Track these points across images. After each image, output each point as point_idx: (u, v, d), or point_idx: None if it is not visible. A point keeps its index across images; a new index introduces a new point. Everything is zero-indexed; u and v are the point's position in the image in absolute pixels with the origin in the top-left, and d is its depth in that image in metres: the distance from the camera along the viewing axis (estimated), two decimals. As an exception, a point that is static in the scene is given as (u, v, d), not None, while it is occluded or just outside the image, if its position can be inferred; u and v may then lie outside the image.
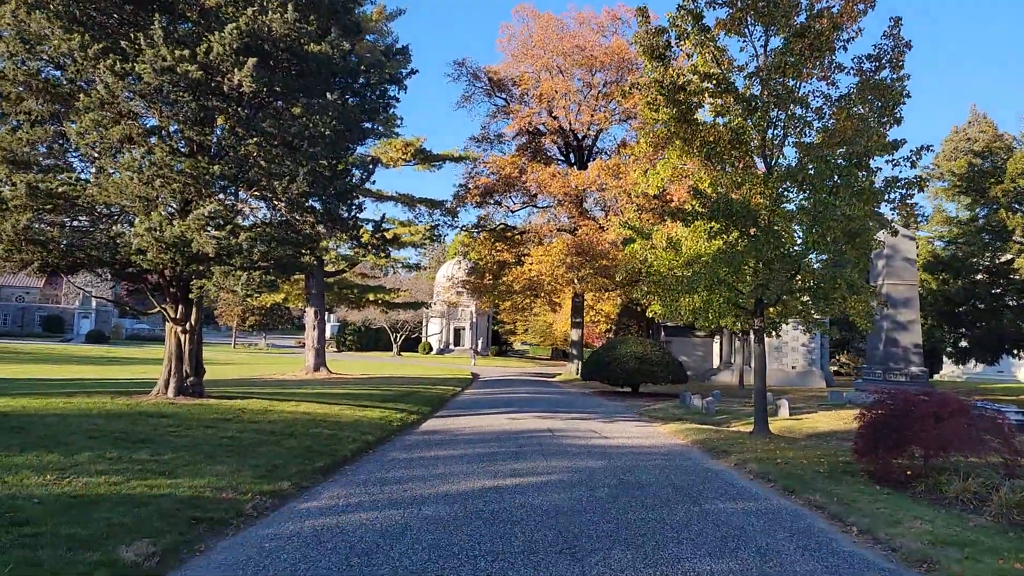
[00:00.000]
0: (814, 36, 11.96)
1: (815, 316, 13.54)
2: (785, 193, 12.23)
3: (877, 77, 12.65)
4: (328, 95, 13.18)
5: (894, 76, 12.51)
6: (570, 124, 42.20)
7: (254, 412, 13.11)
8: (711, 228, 12.10)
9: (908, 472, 8.36)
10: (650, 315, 14.62)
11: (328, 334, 44.57)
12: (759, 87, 13.03)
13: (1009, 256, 25.23)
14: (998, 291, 25.19)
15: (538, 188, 40.74)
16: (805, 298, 12.47)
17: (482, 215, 45.45)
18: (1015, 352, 25.29)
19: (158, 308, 14.53)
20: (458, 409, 19.14)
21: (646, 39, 13.59)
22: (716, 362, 50.18)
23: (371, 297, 41.04)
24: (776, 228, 11.61)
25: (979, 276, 26.31)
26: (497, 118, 44.53)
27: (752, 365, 33.81)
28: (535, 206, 45.73)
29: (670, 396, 26.20)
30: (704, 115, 13.98)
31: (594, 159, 45.25)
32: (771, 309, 13.22)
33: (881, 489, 8.21)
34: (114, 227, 13.02)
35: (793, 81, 12.58)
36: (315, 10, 14.59)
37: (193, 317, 14.45)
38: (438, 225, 38.99)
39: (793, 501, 7.87)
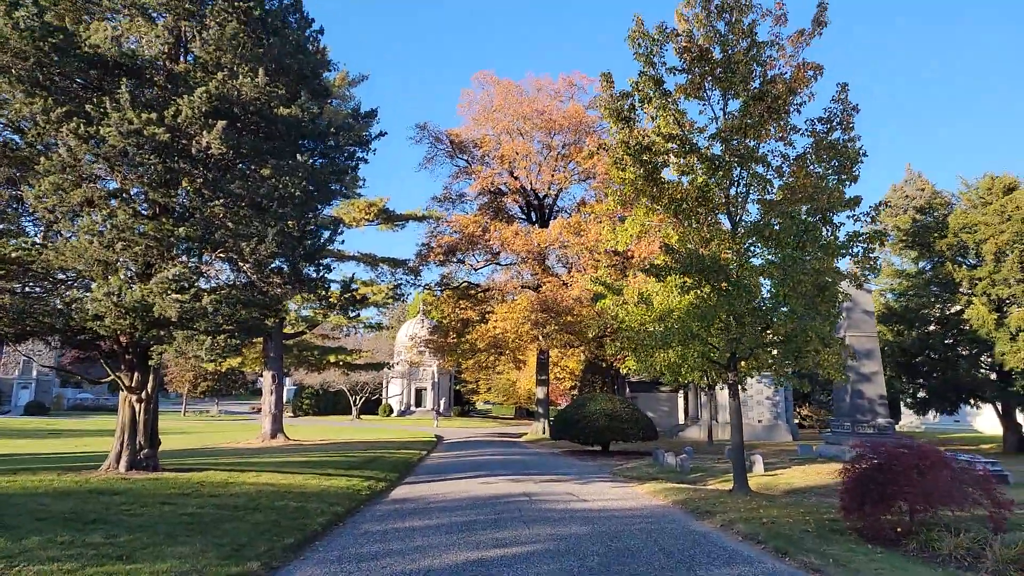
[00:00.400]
0: (771, 99, 12.52)
1: (786, 369, 13.68)
2: (751, 248, 12.51)
3: (830, 138, 13.25)
4: (298, 156, 13.08)
5: (845, 137, 13.12)
6: (531, 184, 43.00)
7: (214, 485, 12.39)
8: (683, 283, 12.25)
9: (897, 529, 8.29)
10: (624, 370, 14.64)
11: (283, 398, 43.09)
12: (720, 147, 13.49)
13: (958, 307, 26.20)
14: (950, 342, 26.02)
15: (501, 246, 41.05)
16: (775, 352, 12.63)
17: (445, 273, 45.48)
18: (970, 402, 25.98)
19: (111, 376, 13.80)
20: (427, 475, 18.51)
21: (611, 103, 14.01)
22: (681, 417, 50.26)
23: (332, 359, 40.10)
24: (746, 282, 11.82)
25: (931, 327, 27.20)
26: (459, 178, 45.15)
27: (719, 419, 33.95)
28: (498, 263, 46.03)
29: (641, 454, 25.93)
30: (668, 174, 14.35)
31: (555, 217, 46.05)
32: (743, 363, 13.31)
33: (873, 548, 8.11)
34: (69, 292, 12.42)
35: (753, 142, 13.07)
36: (284, 74, 14.68)
37: (150, 385, 13.77)
38: (401, 284, 38.72)
39: (787, 564, 7.69)
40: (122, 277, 12.23)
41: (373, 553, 8.32)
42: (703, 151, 13.11)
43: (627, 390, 48.96)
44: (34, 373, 60.51)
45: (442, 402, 79.65)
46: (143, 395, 13.66)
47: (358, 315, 17.91)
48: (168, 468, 14.19)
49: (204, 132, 12.23)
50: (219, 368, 47.90)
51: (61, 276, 12.79)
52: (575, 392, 61.39)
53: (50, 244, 11.54)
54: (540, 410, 45.04)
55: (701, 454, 24.53)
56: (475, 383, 78.90)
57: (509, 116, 42.51)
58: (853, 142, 13.01)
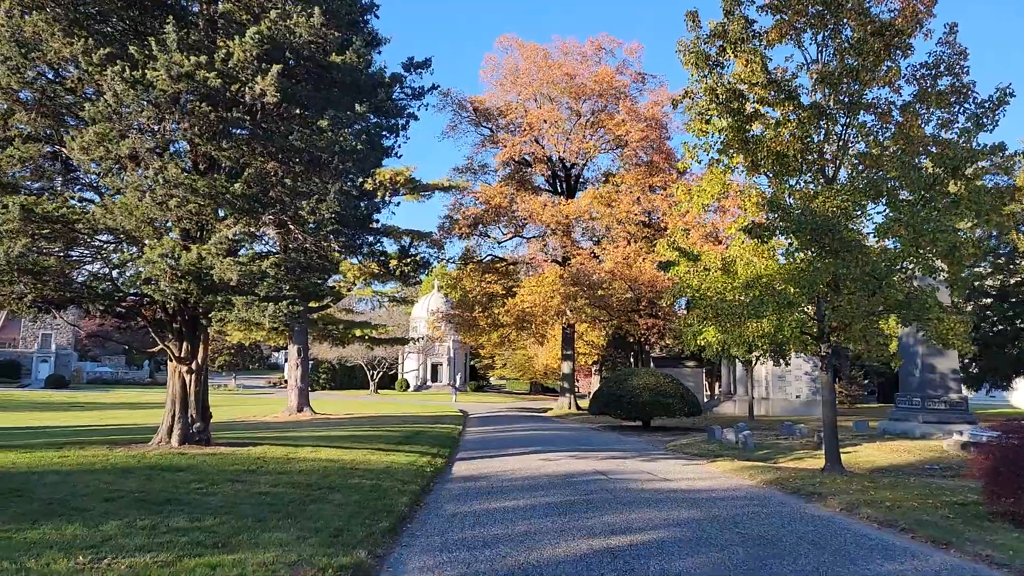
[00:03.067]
0: (891, 35, 11.34)
1: (880, 340, 12.70)
2: (860, 205, 11.41)
3: (939, 85, 12.12)
4: (357, 106, 12.01)
5: (958, 83, 11.97)
6: (559, 153, 41.66)
7: (276, 461, 11.58)
8: (790, 245, 11.22)
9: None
10: (702, 343, 13.57)
11: (308, 372, 42.14)
12: (820, 94, 12.39)
13: (1018, 278, 25.07)
14: (1010, 314, 24.92)
15: (528, 217, 39.90)
16: (884, 321, 11.61)
17: (468, 246, 44.39)
18: (1031, 376, 24.98)
19: (160, 346, 12.94)
20: (476, 450, 17.74)
21: (694, 46, 12.89)
22: (706, 393, 49.46)
23: (357, 333, 39.32)
24: (858, 241, 10.77)
25: (988, 299, 26.08)
26: (485, 147, 43.79)
27: (755, 394, 33.03)
28: (522, 236, 44.91)
29: (684, 430, 25.13)
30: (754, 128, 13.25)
31: (581, 188, 44.82)
32: (839, 334, 12.31)
33: (1047, 536, 7.19)
34: (117, 255, 11.50)
35: (856, 86, 11.94)
36: (334, 18, 13.55)
37: (200, 355, 12.91)
38: (426, 257, 37.68)
39: (957, 556, 6.76)
40: (173, 238, 11.30)
41: (478, 540, 7.46)
42: (814, 98, 11.99)
43: (651, 365, 48.16)
44: (53, 347, 60.11)
45: (458, 377, 79.20)
46: (193, 365, 12.81)
47: (420, 281, 17.04)
48: (220, 442, 13.40)
49: (258, 78, 11.17)
50: (244, 342, 47.20)
51: (105, 238, 11.85)
52: (596, 367, 60.65)
53: (97, 202, 10.58)
54: (566, 385, 44.30)
55: (751, 430, 23.65)
56: (491, 358, 78.21)
57: (536, 81, 41.03)
58: (966, 88, 11.86)
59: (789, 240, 11.23)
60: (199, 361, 12.90)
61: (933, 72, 12.27)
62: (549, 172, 44.14)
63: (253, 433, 18.95)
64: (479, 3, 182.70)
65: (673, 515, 8.70)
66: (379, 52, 15.19)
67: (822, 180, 12.50)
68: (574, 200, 41.54)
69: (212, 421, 13.96)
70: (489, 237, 44.43)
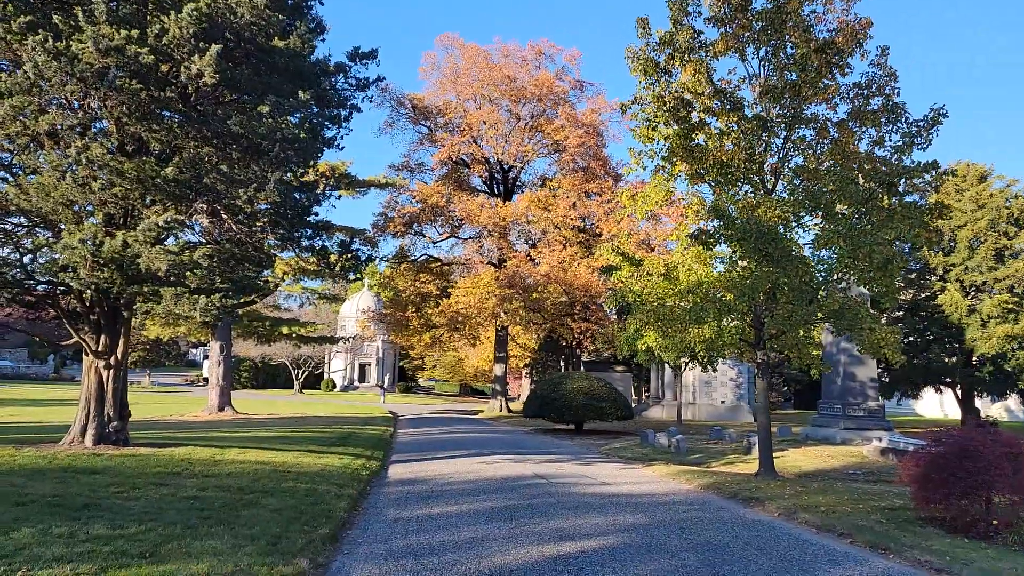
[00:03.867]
0: (833, 52, 11.80)
1: (812, 350, 13.20)
2: (799, 217, 11.82)
3: (870, 105, 12.72)
4: (300, 94, 11.50)
5: (889, 103, 12.60)
6: (498, 155, 41.60)
7: (203, 463, 10.91)
8: (733, 253, 11.47)
9: (994, 522, 7.78)
10: (642, 347, 13.72)
11: (231, 370, 40.20)
12: (761, 107, 12.78)
13: (928, 293, 26.74)
14: (920, 327, 26.56)
15: (465, 218, 39.64)
16: (813, 331, 12.07)
17: (402, 245, 43.71)
18: (938, 387, 26.66)
19: (75, 338, 11.97)
20: (410, 452, 17.37)
21: (643, 53, 13.06)
22: (633, 397, 50.52)
23: (284, 331, 37.92)
24: (795, 252, 11.14)
25: (900, 312, 27.70)
26: (423, 145, 43.24)
27: (682, 398, 33.93)
28: (457, 237, 44.59)
29: (617, 434, 25.48)
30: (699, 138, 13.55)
31: (518, 191, 44.93)
32: (772, 341, 12.70)
33: (973, 542, 7.59)
34: (29, 239, 10.56)
35: (797, 101, 12.39)
36: (278, 2, 12.97)
37: (120, 350, 12.03)
38: (368, 253, 36.78)
39: (899, 562, 7.00)
40: (94, 223, 10.48)
41: (424, 547, 7.21)
42: (758, 111, 12.34)
43: (582, 369, 48.75)
44: (-58, 338, 55.26)
45: (387, 378, 77.84)
46: (111, 360, 11.92)
47: (360, 278, 16.36)
48: (139, 443, 12.53)
49: (195, 57, 10.52)
50: (162, 336, 44.67)
51: (17, 221, 10.87)
52: (527, 370, 60.90)
53: (10, 181, 9.67)
54: (498, 387, 44.22)
55: (681, 434, 24.20)
56: (420, 359, 77.30)
57: (476, 81, 40.82)
58: (897, 108, 12.49)
59: (732, 248, 11.50)
60: (118, 356, 12.02)
61: (865, 92, 12.86)
62: (487, 173, 44.04)
63: (174, 433, 17.90)
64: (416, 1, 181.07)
65: (619, 520, 8.69)
66: (323, 40, 14.66)
67: (762, 191, 12.89)
68: (511, 202, 41.62)
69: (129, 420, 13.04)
70: (424, 236, 43.91)
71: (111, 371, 11.90)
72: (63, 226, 10.17)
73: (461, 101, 41.75)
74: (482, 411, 43.61)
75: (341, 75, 14.39)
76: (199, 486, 9.01)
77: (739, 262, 12.06)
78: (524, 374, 61.01)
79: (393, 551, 7.01)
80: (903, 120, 12.31)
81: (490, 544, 7.32)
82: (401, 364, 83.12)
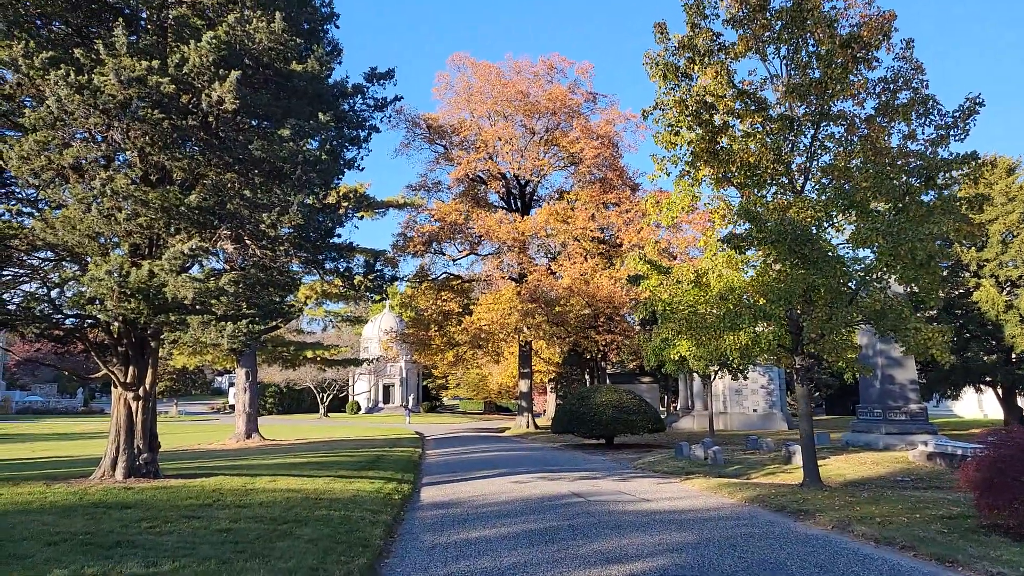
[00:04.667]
0: (859, 47, 11.50)
1: (850, 355, 12.76)
2: (831, 215, 11.46)
3: (897, 100, 12.39)
4: (321, 116, 11.44)
5: (917, 96, 12.25)
6: (515, 170, 41.55)
7: (234, 493, 10.74)
8: (767, 256, 11.12)
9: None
10: (674, 357, 13.37)
11: (257, 396, 40.23)
12: (786, 106, 12.51)
13: (962, 290, 26.00)
14: (956, 324, 25.78)
15: (484, 234, 39.56)
16: (854, 334, 11.66)
17: (422, 264, 43.74)
18: (978, 386, 25.83)
19: (104, 371, 11.93)
20: (442, 474, 17.10)
21: (662, 58, 12.88)
22: (661, 408, 49.75)
23: (309, 355, 37.99)
24: (832, 253, 10.78)
25: (933, 311, 26.94)
26: (439, 164, 43.38)
27: (713, 408, 33.25)
28: (477, 254, 44.52)
29: (648, 447, 24.99)
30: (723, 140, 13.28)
31: (536, 205, 44.80)
32: (812, 346, 12.29)
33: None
34: (56, 273, 10.56)
35: (823, 98, 12.09)
36: (293, 26, 13.00)
37: (148, 381, 11.96)
38: (392, 273, 36.78)
39: (968, 574, 6.59)
40: (120, 254, 10.45)
41: (467, 573, 6.93)
42: (782, 110, 12.07)
43: (607, 381, 48.18)
44: (-25, 374, 56.23)
45: (411, 398, 77.67)
46: (140, 392, 11.85)
47: (385, 298, 16.21)
48: (169, 474, 12.42)
49: (215, 84, 10.51)
50: (188, 365, 44.99)
51: (43, 255, 10.89)
52: (552, 385, 60.32)
53: (36, 215, 9.67)
54: (524, 404, 43.83)
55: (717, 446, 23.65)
56: (444, 378, 77.05)
57: (490, 99, 40.92)
58: (926, 101, 12.14)
59: (765, 251, 11.15)
60: (147, 387, 11.95)
61: (892, 87, 12.53)
62: (504, 189, 44.02)
63: (203, 463, 17.82)
64: (428, 22, 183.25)
65: (666, 539, 8.34)
66: (339, 63, 14.68)
67: (790, 191, 12.57)
68: (530, 217, 41.50)
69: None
70: (444, 255, 43.93)
71: (140, 402, 11.83)
72: (89, 258, 10.14)
73: (475, 119, 41.87)
74: (509, 428, 43.23)
75: (359, 96, 14.39)
76: (231, 517, 8.82)
77: (773, 265, 11.71)
78: (549, 389, 60.42)
79: (435, 580, 6.75)
80: (935, 112, 11.94)
81: (535, 570, 7.02)
82: (425, 384, 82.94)
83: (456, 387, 79.64)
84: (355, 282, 13.01)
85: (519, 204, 44.37)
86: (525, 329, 38.21)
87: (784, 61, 13.08)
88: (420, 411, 75.84)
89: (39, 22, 10.77)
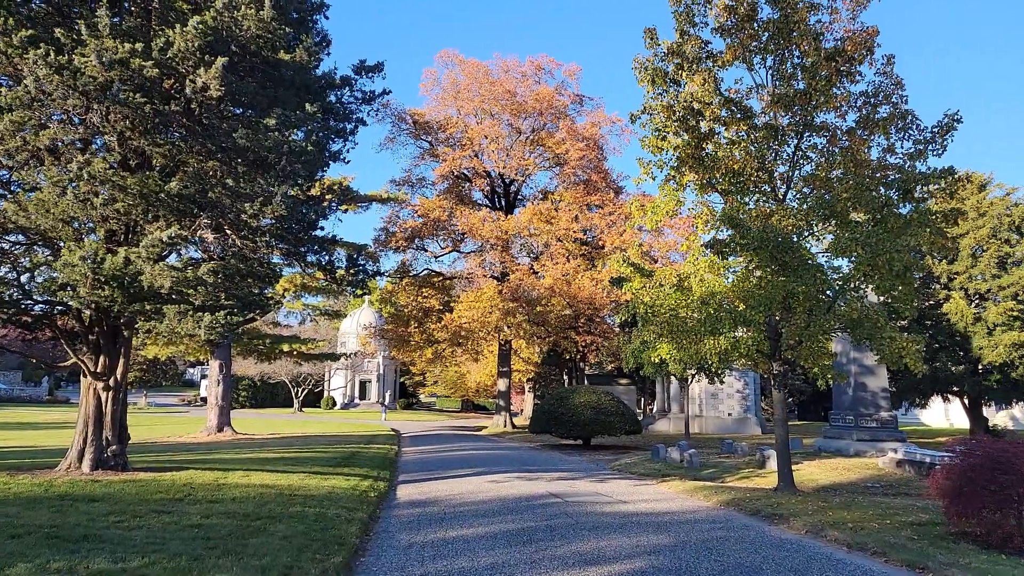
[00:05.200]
0: (843, 60, 11.65)
1: (825, 362, 12.92)
2: (811, 224, 11.59)
3: (878, 113, 12.57)
4: (308, 107, 11.28)
5: (896, 111, 12.44)
6: (500, 168, 41.47)
7: (206, 487, 10.55)
8: (749, 262, 11.20)
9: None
10: (655, 359, 13.42)
11: (230, 389, 39.65)
12: (770, 116, 12.63)
13: (933, 302, 26.48)
14: (926, 335, 26.25)
15: (468, 232, 39.43)
16: (828, 341, 11.79)
17: (404, 260, 43.48)
18: (946, 396, 26.33)
19: (73, 359, 11.65)
20: (418, 472, 16.99)
21: (651, 64, 12.93)
22: (638, 410, 50.04)
23: (285, 348, 37.52)
24: (811, 261, 10.90)
25: (903, 321, 27.41)
26: (424, 160, 43.17)
27: (689, 411, 33.53)
28: (459, 251, 44.39)
29: (625, 448, 25.10)
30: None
31: (520, 204, 44.78)
32: (789, 352, 12.42)
33: (1015, 558, 7.27)
34: (26, 258, 10.28)
35: (807, 109, 12.24)
36: (282, 14, 12.81)
37: (119, 371, 11.70)
38: (375, 267, 36.48)
39: (939, 581, 6.69)
40: (95, 239, 10.20)
41: (444, 573, 6.87)
42: (767, 119, 12.19)
43: (585, 382, 48.33)
44: (-63, 361, 54.79)
45: (387, 395, 77.31)
46: (111, 382, 11.59)
47: (367, 292, 15.98)
48: (138, 467, 12.16)
49: (200, 70, 10.31)
50: (160, 356, 44.18)
51: (14, 239, 10.60)
52: (530, 385, 60.35)
53: (8, 197, 9.40)
54: (502, 403, 43.79)
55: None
56: (422, 375, 76.74)
57: (477, 97, 40.81)
58: (904, 116, 12.34)
59: (747, 258, 11.24)
60: (118, 377, 11.69)
61: (873, 101, 12.70)
62: (488, 187, 43.93)
63: (173, 456, 17.52)
64: (415, 17, 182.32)
65: (643, 541, 8.35)
66: (328, 54, 14.49)
67: (773, 199, 12.69)
68: (513, 216, 41.46)
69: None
70: (426, 251, 43.73)
71: (110, 393, 11.57)
72: (62, 243, 9.90)
73: (462, 116, 41.73)
74: (486, 427, 43.16)
75: (347, 88, 14.22)
76: (203, 513, 8.66)
77: (754, 271, 11.81)
78: (527, 388, 60.49)
79: (411, 580, 6.68)
80: (914, 127, 12.15)
81: (512, 570, 6.98)
82: (402, 380, 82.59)
83: (433, 384, 79.36)
84: (337, 276, 12.85)
85: (503, 203, 44.33)
86: (505, 328, 38.17)
87: (770, 71, 13.20)
88: (396, 408, 75.48)
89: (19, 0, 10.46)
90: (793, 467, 16.69)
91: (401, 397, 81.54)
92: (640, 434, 27.21)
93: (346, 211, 28.44)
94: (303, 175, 11.32)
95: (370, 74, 14.53)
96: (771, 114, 12.93)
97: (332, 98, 14.02)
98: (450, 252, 44.23)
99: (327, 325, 76.02)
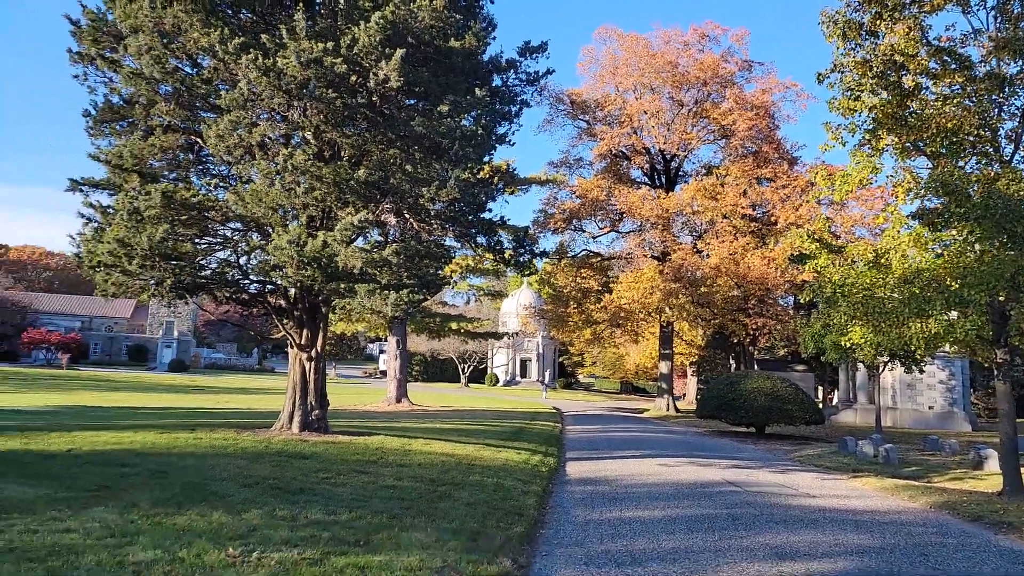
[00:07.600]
0: None
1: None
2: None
3: None
4: (477, 91, 11.58)
5: None
6: (660, 144, 40.12)
7: (395, 452, 11.37)
8: (969, 234, 9.82)
9: None
10: (845, 344, 12.29)
11: (407, 364, 42.76)
12: (996, 64, 10.91)
13: None
14: None
15: (627, 211, 38.67)
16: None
17: (562, 241, 43.65)
18: None
19: (282, 332, 13.05)
20: (584, 450, 17.06)
21: (842, 16, 11.69)
22: (816, 399, 46.49)
23: (453, 326, 39.50)
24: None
25: None
26: (582, 140, 42.85)
27: (880, 402, 30.54)
28: (618, 231, 43.73)
29: (804, 439, 23.45)
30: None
31: (680, 181, 43.10)
32: (1019, 338, 10.76)
33: None
34: (246, 242, 11.62)
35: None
36: (453, 3, 13.22)
37: (319, 343, 12.92)
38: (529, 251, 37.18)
39: None
40: (298, 225, 11.27)
41: (624, 555, 6.78)
42: (975, 69, 10.61)
43: (755, 367, 45.77)
44: (175, 333, 64.45)
45: (547, 374, 78.63)
46: (312, 353, 12.83)
47: (533, 272, 16.42)
48: (337, 430, 13.40)
49: (382, 63, 10.94)
50: (346, 332, 48.60)
51: (235, 226, 12.01)
52: (693, 369, 58.36)
53: (230, 188, 10.65)
54: (663, 386, 42.82)
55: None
56: (580, 356, 77.09)
57: (636, 71, 39.63)
58: None
59: (967, 229, 9.81)
60: (318, 348, 12.93)
61: None
62: (647, 164, 42.71)
63: (362, 422, 19.11)
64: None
65: (843, 540, 7.68)
66: (494, 38, 14.78)
67: (997, 161, 10.98)
68: (674, 193, 39.97)
69: (324, 409, 13.99)
70: (584, 232, 43.52)
71: (312, 363, 12.83)
72: (272, 229, 11.06)
73: (620, 92, 40.85)
74: (647, 410, 42.51)
75: (512, 71, 14.42)
76: (395, 475, 9.32)
77: (973, 245, 10.32)
78: (690, 372, 58.50)
79: (592, 557, 6.67)
80: None
81: (697, 557, 6.73)
82: (560, 360, 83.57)
83: (592, 365, 79.45)
84: (505, 256, 13.17)
85: (663, 180, 42.93)
86: (667, 309, 37.12)
87: (992, 12, 11.41)
88: (556, 387, 76.63)
89: (230, 11, 11.74)
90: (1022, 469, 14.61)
91: (560, 376, 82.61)
92: (821, 425, 25.24)
93: (511, 193, 29.11)
94: (473, 158, 11.69)
95: (534, 55, 14.61)
96: (994, 62, 11.18)
97: (498, 81, 14.29)
98: (608, 232, 43.71)
99: (489, 305, 78.87)
